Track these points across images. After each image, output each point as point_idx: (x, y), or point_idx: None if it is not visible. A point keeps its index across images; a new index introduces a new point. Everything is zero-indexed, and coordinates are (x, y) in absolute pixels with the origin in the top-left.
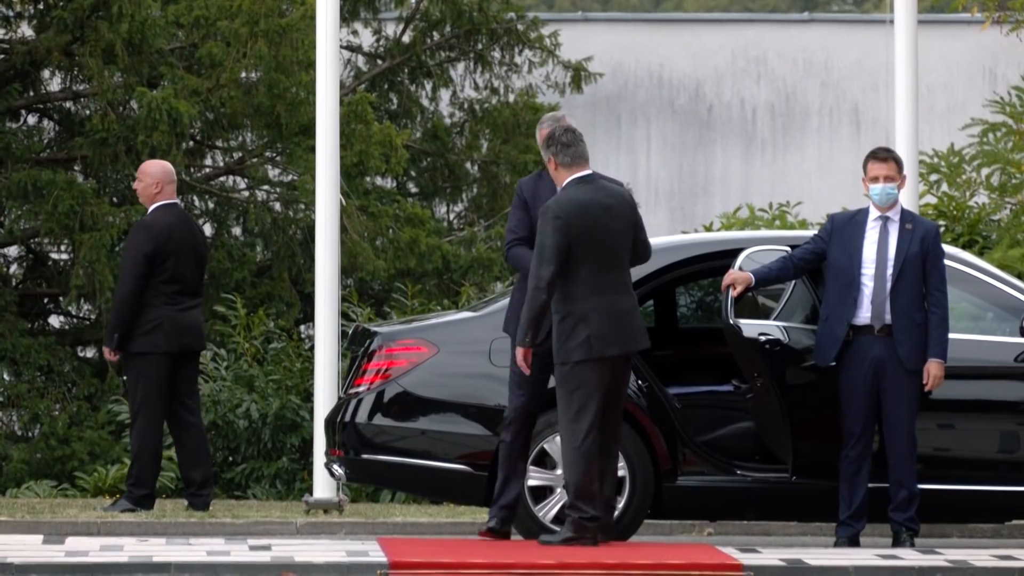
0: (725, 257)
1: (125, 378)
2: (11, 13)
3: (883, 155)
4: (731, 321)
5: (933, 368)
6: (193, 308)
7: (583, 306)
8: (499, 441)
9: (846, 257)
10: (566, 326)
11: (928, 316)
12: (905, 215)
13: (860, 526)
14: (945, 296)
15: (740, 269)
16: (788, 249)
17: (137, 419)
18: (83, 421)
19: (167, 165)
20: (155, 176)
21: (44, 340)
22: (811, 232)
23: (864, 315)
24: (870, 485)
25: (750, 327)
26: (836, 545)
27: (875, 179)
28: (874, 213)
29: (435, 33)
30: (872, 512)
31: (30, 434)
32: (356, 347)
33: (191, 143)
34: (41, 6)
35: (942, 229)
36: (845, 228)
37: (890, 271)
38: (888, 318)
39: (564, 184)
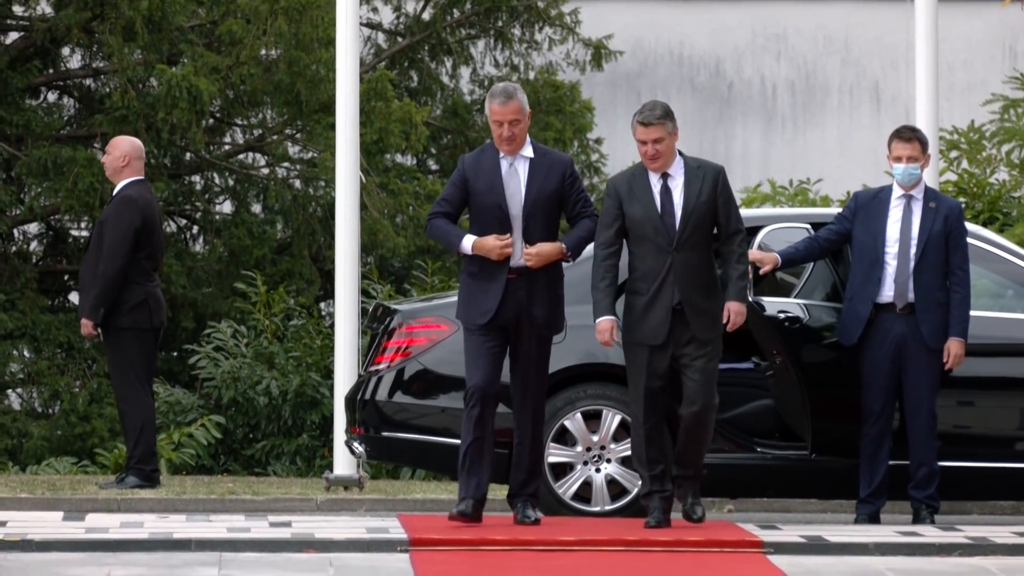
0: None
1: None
2: None
3: (907, 135)
4: (751, 299)
5: (953, 347)
6: (159, 285)
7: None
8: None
9: (870, 236)
10: (719, 304)
11: (950, 295)
12: (929, 193)
13: (880, 503)
14: (967, 275)
15: (760, 247)
16: (809, 227)
17: (129, 395)
18: (103, 398)
19: (137, 141)
20: (123, 150)
21: (64, 317)
22: (832, 209)
23: (887, 293)
24: (890, 463)
25: (770, 305)
26: (856, 522)
27: (898, 159)
28: (897, 191)
29: (455, 10)
30: (892, 489)
31: (50, 411)
32: (376, 325)
33: (211, 120)
34: None
35: (962, 206)
36: (869, 206)
37: (913, 250)
38: (911, 297)
39: (678, 153)
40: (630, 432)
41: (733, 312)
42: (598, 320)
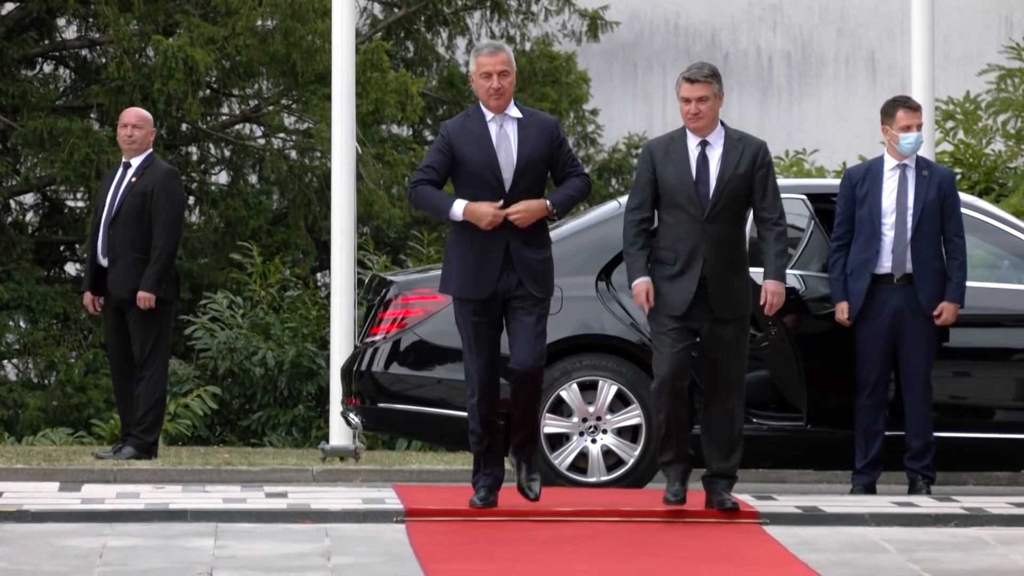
0: None
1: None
2: None
3: (915, 104)
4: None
5: (947, 309)
6: None
7: None
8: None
9: (866, 209)
10: (746, 283)
11: (947, 262)
12: (920, 162)
13: (876, 474)
14: (964, 242)
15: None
16: (804, 197)
17: (154, 366)
18: (99, 369)
19: None
20: (151, 123)
21: (60, 288)
22: (829, 180)
23: (885, 264)
24: (887, 433)
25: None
26: (852, 493)
27: (907, 128)
28: (891, 162)
29: None
30: (888, 460)
31: (46, 382)
32: (372, 296)
33: (207, 91)
34: None
35: (958, 177)
36: (864, 181)
37: (910, 219)
38: (909, 267)
39: (721, 124)
40: (651, 398)
41: (770, 293)
42: (634, 283)
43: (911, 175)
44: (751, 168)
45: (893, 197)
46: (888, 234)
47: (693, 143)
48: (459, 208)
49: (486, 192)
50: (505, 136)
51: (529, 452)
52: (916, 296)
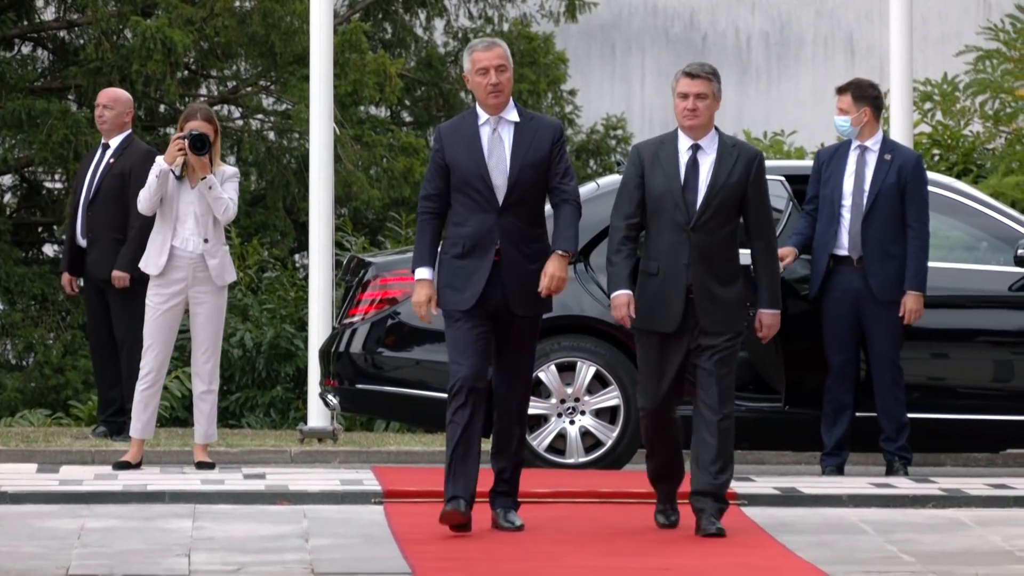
0: None
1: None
2: None
3: (841, 87)
4: None
5: (909, 301)
6: None
7: None
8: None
9: (829, 190)
10: (738, 296)
11: (908, 248)
12: (886, 145)
13: (845, 455)
14: (924, 226)
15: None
16: (783, 179)
17: (138, 345)
18: (77, 350)
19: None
20: (126, 104)
21: (38, 269)
22: (807, 162)
23: (844, 245)
24: (863, 415)
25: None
26: (824, 474)
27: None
28: (854, 143)
29: None
30: (865, 441)
31: (24, 363)
32: (351, 277)
33: (185, 72)
34: None
35: (936, 158)
36: (831, 161)
37: (865, 202)
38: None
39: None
40: (640, 420)
41: (765, 324)
42: (614, 294)
43: (871, 158)
44: (744, 178)
45: (852, 179)
46: (846, 216)
47: (684, 147)
48: (419, 275)
49: (478, 199)
50: (499, 141)
51: (514, 476)
52: (869, 279)
